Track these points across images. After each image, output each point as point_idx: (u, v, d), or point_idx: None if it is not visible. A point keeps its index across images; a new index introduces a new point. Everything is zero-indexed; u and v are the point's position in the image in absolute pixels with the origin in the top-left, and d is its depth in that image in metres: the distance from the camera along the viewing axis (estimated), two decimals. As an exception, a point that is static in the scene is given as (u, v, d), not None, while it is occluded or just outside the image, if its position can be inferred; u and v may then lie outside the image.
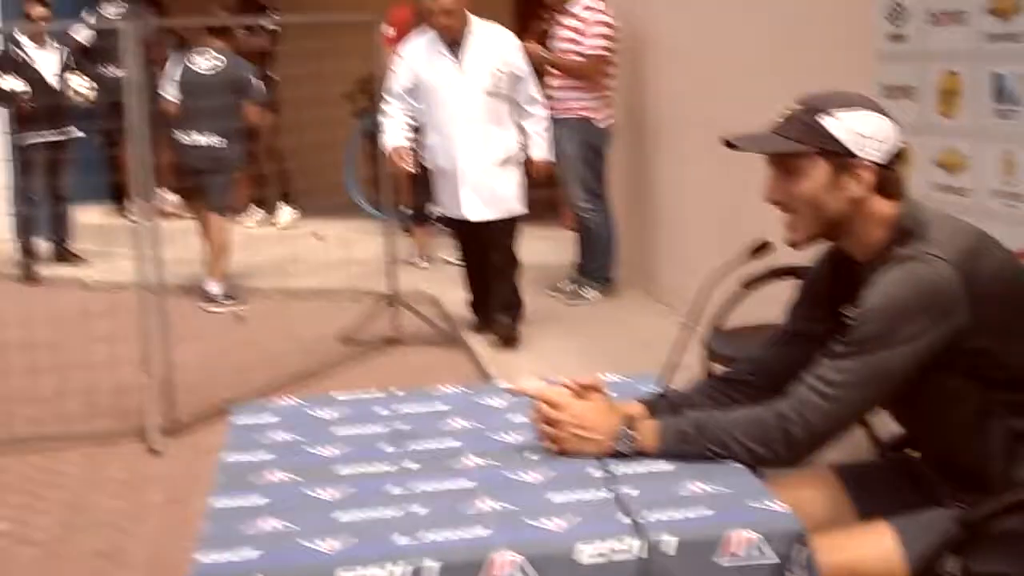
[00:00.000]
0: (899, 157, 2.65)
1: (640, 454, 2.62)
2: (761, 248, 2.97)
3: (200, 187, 8.40)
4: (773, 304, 4.57)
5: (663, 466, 2.58)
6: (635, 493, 2.43)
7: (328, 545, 2.27)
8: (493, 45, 6.89)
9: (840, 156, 2.60)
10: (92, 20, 10.62)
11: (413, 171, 9.00)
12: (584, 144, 7.86)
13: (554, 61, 7.90)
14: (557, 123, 7.98)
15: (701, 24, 7.18)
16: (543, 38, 8.73)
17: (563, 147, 7.91)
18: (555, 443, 2.68)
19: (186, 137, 8.54)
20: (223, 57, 8.65)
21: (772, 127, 2.71)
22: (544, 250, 9.43)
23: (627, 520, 2.29)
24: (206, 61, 8.65)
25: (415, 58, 6.95)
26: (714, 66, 6.97)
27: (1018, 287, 2.60)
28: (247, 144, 8.82)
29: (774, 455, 2.55)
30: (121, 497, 5.31)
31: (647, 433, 2.63)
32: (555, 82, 7.97)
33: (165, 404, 6.00)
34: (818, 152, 2.61)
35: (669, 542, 2.23)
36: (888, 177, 2.63)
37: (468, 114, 6.84)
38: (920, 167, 4.02)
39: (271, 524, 2.38)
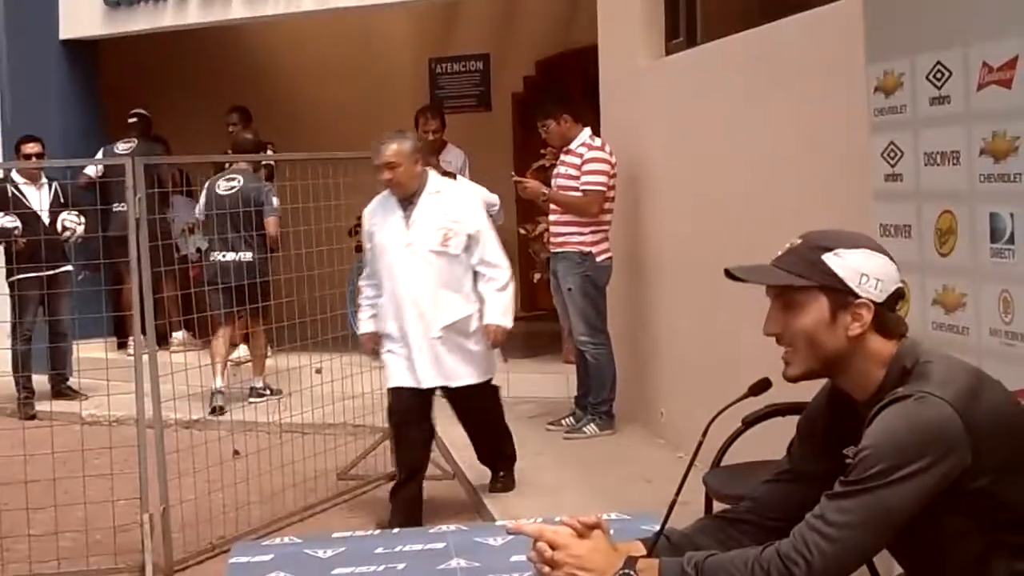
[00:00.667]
0: (898, 297, 2.68)
1: None
2: (761, 386, 2.97)
3: (236, 300, 8.76)
4: (774, 442, 4.57)
5: (663, 608, 2.56)
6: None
7: None
8: (449, 202, 6.43)
9: (840, 293, 2.62)
10: (99, 155, 10.77)
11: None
12: (584, 278, 7.92)
13: (553, 197, 7.99)
14: (557, 257, 8.06)
15: (700, 161, 7.27)
16: (544, 174, 8.85)
17: (563, 281, 7.96)
18: None
19: (220, 256, 9.39)
20: (240, 177, 9.44)
21: (774, 260, 2.74)
22: (544, 384, 9.44)
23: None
24: (226, 182, 9.49)
25: (371, 217, 6.54)
26: (713, 203, 7.04)
27: (1018, 427, 2.60)
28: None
29: None
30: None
31: (648, 574, 2.60)
32: (554, 217, 8.05)
33: (162, 542, 5.94)
34: (818, 288, 2.63)
35: None
36: (887, 316, 2.65)
37: (416, 276, 6.34)
38: (918, 305, 4.04)
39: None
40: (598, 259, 7.93)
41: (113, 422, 8.16)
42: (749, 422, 4.68)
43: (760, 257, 6.25)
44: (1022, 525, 2.54)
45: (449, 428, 8.40)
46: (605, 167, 7.90)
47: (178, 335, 10.61)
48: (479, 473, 7.20)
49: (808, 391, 4.92)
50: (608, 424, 8.06)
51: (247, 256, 9.36)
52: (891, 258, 2.68)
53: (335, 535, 3.28)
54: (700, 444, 2.88)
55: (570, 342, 8.60)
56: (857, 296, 2.62)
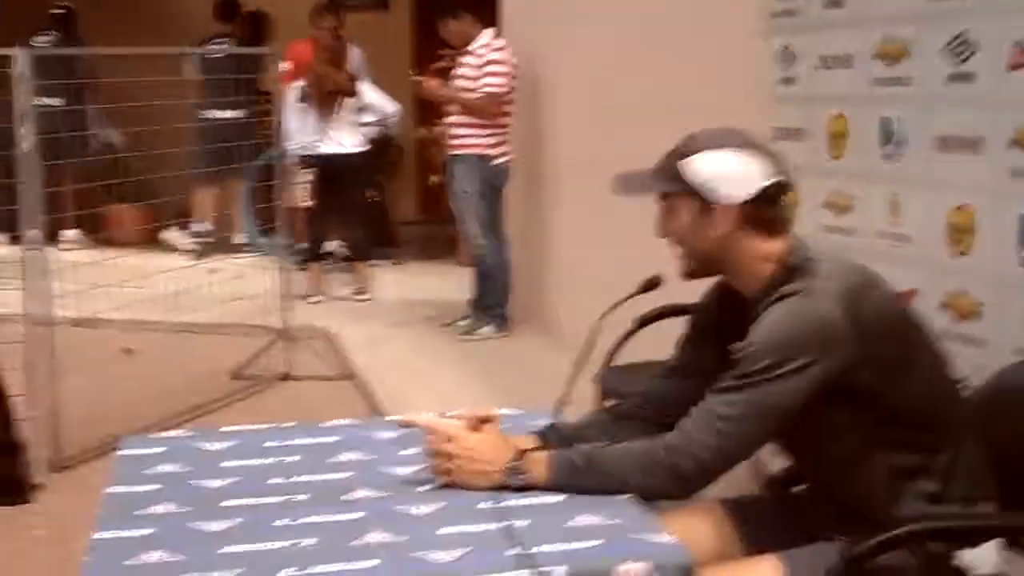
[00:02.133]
0: (775, 193, 2.70)
1: (531, 487, 2.62)
2: (652, 283, 3.00)
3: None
4: (667, 341, 4.62)
5: (553, 498, 2.59)
6: (525, 525, 2.43)
7: (214, 577, 2.24)
8: None
9: (700, 197, 2.68)
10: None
11: (309, 206, 9.00)
12: (481, 181, 7.88)
13: (453, 98, 7.93)
14: (455, 160, 8.00)
15: (598, 65, 7.25)
16: (443, 75, 8.77)
17: (461, 183, 7.93)
18: (446, 476, 2.67)
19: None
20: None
21: (653, 167, 2.79)
22: (441, 286, 9.45)
23: (516, 552, 2.29)
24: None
25: None
26: (610, 107, 7.04)
27: (902, 325, 2.65)
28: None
29: (664, 488, 2.57)
30: (3, 533, 5.19)
31: (538, 466, 2.64)
32: (453, 119, 7.99)
33: (51, 438, 5.88)
34: (683, 193, 2.69)
35: (558, 573, 2.23)
36: (759, 215, 2.68)
37: None
38: (809, 208, 4.09)
39: (156, 556, 2.34)
40: (496, 162, 7.90)
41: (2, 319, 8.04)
42: (642, 322, 4.72)
43: (651, 160, 6.30)
44: (901, 421, 2.60)
45: (342, 327, 8.41)
46: (505, 68, 7.84)
47: (70, 233, 10.40)
48: (375, 374, 7.21)
49: (697, 294, 4.99)
50: (503, 326, 8.09)
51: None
52: (770, 153, 2.71)
53: (225, 429, 3.26)
54: (591, 342, 2.91)
55: (467, 245, 8.59)
56: (713, 199, 2.67)
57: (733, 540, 2.81)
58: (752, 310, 2.67)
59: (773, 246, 2.70)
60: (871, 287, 2.64)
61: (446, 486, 2.67)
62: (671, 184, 2.72)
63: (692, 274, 2.79)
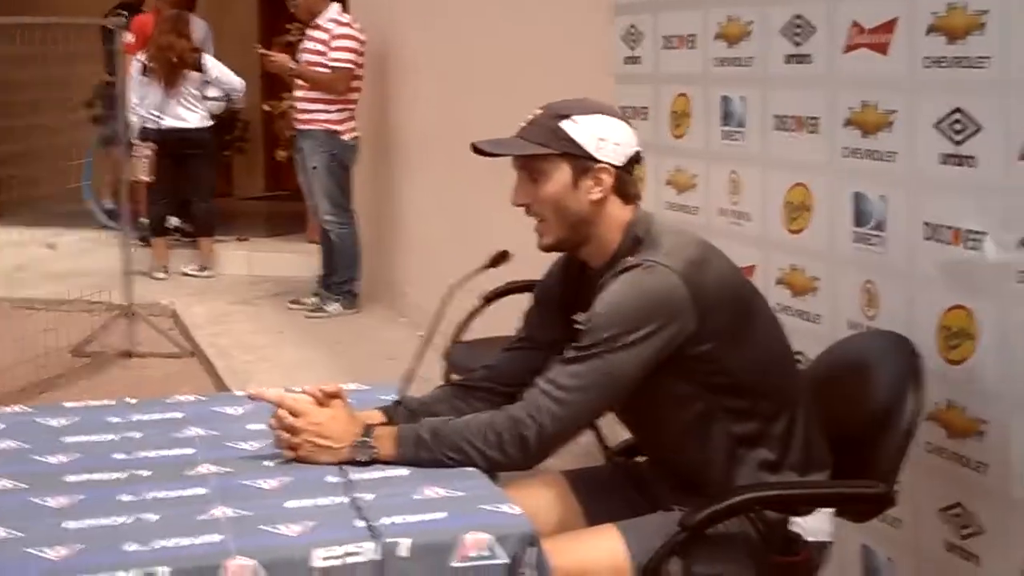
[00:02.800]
0: (636, 161, 2.75)
1: (378, 461, 2.64)
2: (499, 258, 3.03)
3: None
4: (513, 317, 4.67)
5: (399, 471, 2.60)
6: (371, 498, 2.44)
7: (55, 552, 2.20)
8: None
9: (580, 159, 2.69)
10: None
11: (150, 180, 8.85)
12: (329, 157, 7.84)
13: (300, 72, 7.86)
14: (302, 135, 7.95)
15: (447, 40, 7.26)
16: (290, 49, 8.69)
17: (308, 159, 7.88)
18: (293, 451, 2.66)
19: None
20: None
21: (518, 132, 2.78)
22: (288, 263, 9.39)
23: (362, 524, 2.31)
24: None
25: None
26: (459, 83, 7.06)
27: (741, 297, 2.72)
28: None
29: (508, 459, 2.60)
30: None
31: (385, 440, 2.65)
32: (300, 93, 7.93)
33: None
34: (560, 155, 2.69)
35: (403, 545, 2.25)
36: (626, 180, 2.73)
37: None
38: (652, 186, 4.16)
39: (-6, 532, 2.30)
40: (344, 137, 7.87)
41: None
42: (489, 298, 4.76)
43: (503, 137, 6.28)
44: (740, 390, 2.67)
45: (186, 304, 8.31)
46: (353, 44, 7.81)
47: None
48: (219, 350, 7.15)
49: (543, 270, 5.04)
50: (351, 303, 8.07)
51: None
52: (628, 123, 2.75)
53: (68, 404, 3.21)
54: (437, 317, 2.93)
55: (315, 221, 8.54)
56: (597, 160, 2.68)
57: (576, 511, 2.85)
58: (595, 281, 2.72)
59: (626, 215, 2.74)
60: (711, 260, 2.70)
61: (293, 461, 2.67)
62: (553, 144, 2.69)
63: (555, 245, 2.78)
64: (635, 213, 2.75)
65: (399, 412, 2.88)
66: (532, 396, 2.61)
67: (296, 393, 2.78)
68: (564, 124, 2.70)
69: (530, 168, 2.74)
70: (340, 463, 2.63)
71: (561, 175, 2.70)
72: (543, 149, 2.70)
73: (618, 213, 2.73)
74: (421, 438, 2.64)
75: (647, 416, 2.77)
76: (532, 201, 2.75)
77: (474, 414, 2.68)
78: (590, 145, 2.69)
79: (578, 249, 2.80)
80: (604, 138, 2.70)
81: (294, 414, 2.67)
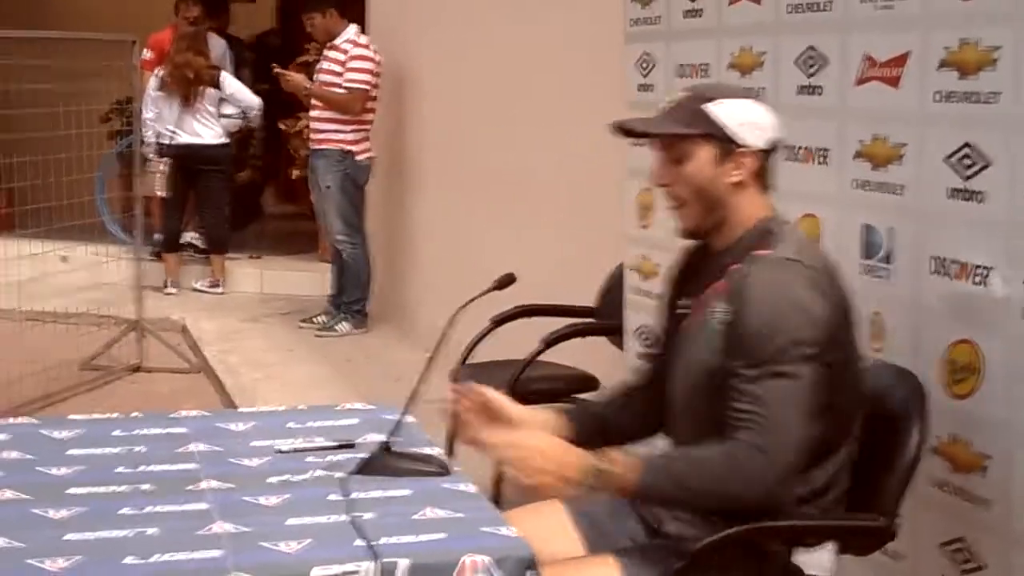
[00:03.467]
0: (776, 147, 2.76)
1: (612, 488, 2.59)
2: (505, 281, 3.04)
3: None
4: (521, 341, 4.68)
5: (399, 491, 2.61)
6: (370, 517, 2.45)
7: (55, 564, 2.21)
8: None
9: (723, 141, 2.69)
10: None
11: (165, 195, 8.89)
12: (343, 177, 7.87)
13: (316, 93, 7.90)
14: (316, 154, 7.98)
15: (462, 64, 7.29)
16: (307, 69, 8.73)
17: (322, 179, 7.90)
18: (519, 469, 2.59)
19: None
20: None
21: (661, 113, 2.77)
22: (299, 282, 9.40)
23: (361, 543, 2.31)
24: None
25: None
26: (473, 108, 7.08)
27: (851, 321, 2.69)
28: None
29: (753, 482, 2.53)
30: None
31: (620, 466, 2.58)
32: (315, 114, 7.96)
33: None
34: (703, 136, 2.69)
35: (402, 565, 2.25)
36: (765, 166, 2.74)
37: None
38: (664, 213, 4.17)
39: (-5, 542, 2.31)
40: (358, 158, 7.89)
41: None
42: (497, 321, 4.78)
43: (516, 162, 6.33)
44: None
45: (196, 319, 8.33)
46: (370, 65, 7.85)
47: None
48: (228, 367, 7.16)
49: (553, 294, 5.05)
50: (361, 323, 8.08)
51: None
52: (771, 110, 2.76)
53: (73, 417, 3.23)
54: (443, 337, 2.92)
55: (327, 240, 8.56)
56: (739, 143, 2.69)
57: (575, 540, 2.83)
58: (713, 261, 2.74)
59: (761, 205, 2.74)
60: (834, 270, 2.69)
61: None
62: (696, 125, 2.69)
63: (694, 230, 2.76)
64: (771, 208, 2.75)
65: (580, 417, 2.91)
66: (752, 419, 2.53)
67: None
68: (708, 106, 2.70)
69: (673, 149, 2.73)
70: (569, 492, 2.61)
71: (704, 156, 2.70)
72: (687, 130, 2.70)
73: (754, 200, 2.73)
74: (657, 468, 2.58)
75: (700, 425, 2.71)
76: (673, 182, 2.74)
77: (710, 445, 2.59)
78: (733, 128, 2.69)
79: (713, 235, 2.77)
80: (747, 122, 2.70)
81: (509, 423, 2.69)
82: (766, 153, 2.73)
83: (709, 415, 2.64)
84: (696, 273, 2.85)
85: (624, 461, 2.58)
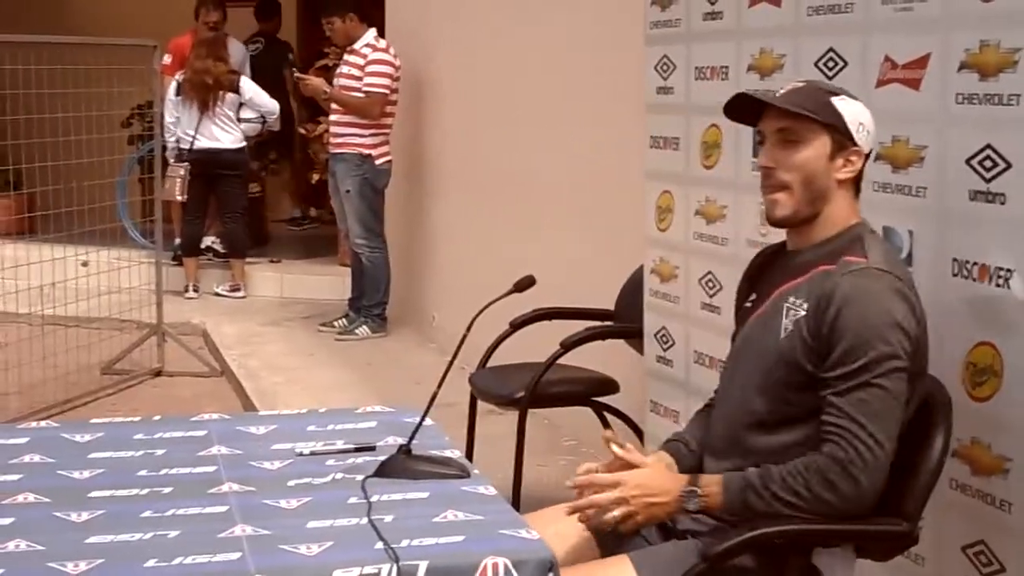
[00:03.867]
0: (869, 156, 2.80)
1: (707, 511, 2.67)
2: (525, 283, 3.04)
3: None
4: (540, 344, 4.68)
5: (419, 494, 2.62)
6: (390, 519, 2.45)
7: (75, 567, 2.22)
8: None
9: (841, 135, 2.72)
10: None
11: (183, 199, 8.91)
12: (362, 180, 7.88)
13: (335, 97, 7.91)
14: (336, 158, 7.99)
15: (481, 67, 7.30)
16: (326, 73, 8.74)
17: (342, 182, 7.92)
18: (629, 518, 2.67)
19: None
20: None
21: (779, 96, 2.77)
22: (319, 286, 9.42)
23: (381, 546, 2.31)
24: None
25: None
26: (492, 111, 7.09)
27: (926, 335, 2.70)
28: None
29: (843, 498, 2.57)
30: None
31: (712, 487, 2.65)
32: (335, 118, 7.98)
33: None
34: (826, 125, 2.71)
35: (421, 567, 2.25)
36: (862, 172, 2.77)
37: None
38: (682, 216, 4.17)
39: (16, 544, 2.32)
40: (377, 162, 7.90)
41: None
42: (516, 324, 4.77)
43: (535, 165, 6.32)
44: None
45: (216, 323, 8.35)
46: (389, 69, 7.85)
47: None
48: (248, 371, 7.17)
49: (572, 297, 5.05)
50: (380, 327, 8.09)
51: None
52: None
53: (94, 421, 3.24)
54: (463, 340, 2.93)
55: (346, 244, 8.57)
56: (854, 142, 2.72)
57: (589, 542, 2.83)
58: (795, 261, 2.76)
59: (854, 209, 2.76)
60: (913, 284, 2.71)
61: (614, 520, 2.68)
62: (821, 113, 2.70)
63: (790, 216, 2.75)
64: (860, 214, 2.78)
65: (678, 448, 2.92)
66: (839, 433, 2.57)
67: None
68: (834, 99, 2.73)
69: (789, 131, 2.73)
70: (674, 516, 2.70)
71: (821, 145, 2.71)
72: (814, 115, 2.70)
73: (849, 203, 2.76)
74: (750, 483, 2.63)
75: (753, 416, 2.74)
76: (781, 166, 2.74)
77: (798, 460, 2.62)
78: (853, 125, 2.72)
79: (806, 227, 2.77)
80: (863, 123, 2.74)
81: (614, 485, 2.69)
82: (868, 157, 2.77)
83: (775, 402, 2.69)
84: (769, 273, 2.87)
85: (713, 482, 2.66)
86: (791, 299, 2.70)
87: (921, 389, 2.71)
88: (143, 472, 2.77)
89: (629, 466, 2.75)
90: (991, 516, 2.90)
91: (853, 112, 2.74)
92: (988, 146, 2.89)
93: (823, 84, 2.85)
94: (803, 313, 2.66)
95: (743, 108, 2.83)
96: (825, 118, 2.71)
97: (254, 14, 11.21)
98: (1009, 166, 2.84)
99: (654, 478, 2.71)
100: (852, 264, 2.64)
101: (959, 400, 2.87)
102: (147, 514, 2.49)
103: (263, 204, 11.17)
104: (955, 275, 2.99)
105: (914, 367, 2.63)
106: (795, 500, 2.58)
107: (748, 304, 2.88)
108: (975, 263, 2.93)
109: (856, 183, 2.77)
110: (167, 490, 2.65)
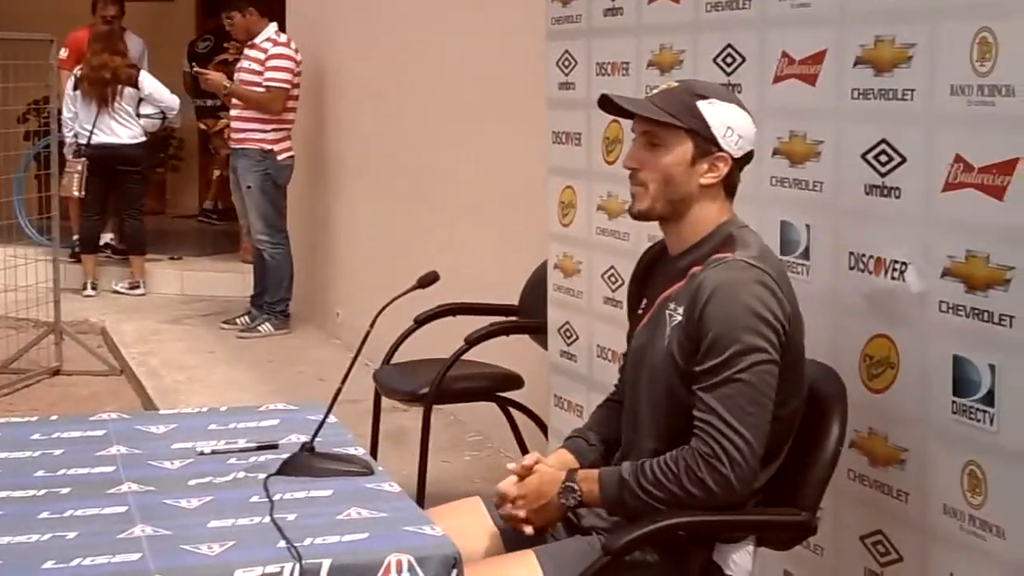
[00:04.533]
0: (748, 160, 2.79)
1: (584, 504, 2.70)
2: (429, 278, 3.03)
3: None
4: (444, 340, 4.68)
5: (322, 491, 2.60)
6: (292, 518, 2.44)
7: (-30, 570, 2.18)
8: None
9: (705, 140, 2.70)
10: None
11: (81, 195, 8.78)
12: (264, 176, 7.81)
13: (235, 92, 7.84)
14: (237, 154, 7.92)
15: (383, 62, 7.27)
16: (226, 68, 8.66)
17: (242, 178, 7.84)
18: (527, 524, 2.73)
19: None
20: None
21: (650, 97, 2.78)
22: (221, 283, 9.33)
23: (283, 545, 2.30)
24: None
25: None
26: (394, 105, 7.07)
27: (801, 326, 2.73)
28: None
29: (711, 494, 2.57)
30: None
31: (588, 483, 2.68)
32: (236, 113, 7.90)
33: None
34: (687, 130, 2.69)
35: (324, 565, 2.24)
36: (735, 175, 2.76)
37: None
38: (584, 210, 4.19)
39: (-92, 550, 2.27)
40: (279, 157, 7.84)
41: None
42: (420, 320, 4.77)
43: (438, 160, 6.32)
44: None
45: (115, 321, 8.24)
46: (290, 64, 7.80)
47: None
48: (149, 369, 7.09)
49: (477, 293, 5.06)
50: (284, 324, 8.04)
51: None
52: (752, 119, 2.78)
53: (-12, 421, 3.18)
54: (366, 336, 2.92)
55: (248, 241, 8.50)
56: (720, 148, 2.70)
57: (494, 536, 2.84)
58: (673, 264, 2.77)
59: (724, 210, 2.76)
60: (786, 275, 2.74)
61: (522, 530, 2.74)
62: (682, 118, 2.69)
63: (646, 212, 2.76)
64: (731, 212, 2.77)
65: (580, 447, 2.92)
66: (706, 430, 2.58)
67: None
68: (701, 104, 2.71)
69: (652, 135, 2.73)
70: (562, 515, 2.74)
71: (682, 150, 2.70)
72: (674, 120, 2.69)
73: (718, 205, 2.75)
74: (624, 480, 2.64)
75: (654, 416, 2.75)
76: (643, 167, 2.74)
77: (668, 454, 2.64)
78: (719, 130, 2.70)
79: (666, 223, 2.78)
80: (733, 128, 2.71)
81: (514, 500, 2.73)
82: (739, 162, 2.76)
83: (672, 414, 2.69)
84: (653, 277, 2.88)
85: (590, 478, 2.69)
86: (671, 306, 2.72)
87: (800, 380, 2.73)
88: (40, 472, 2.72)
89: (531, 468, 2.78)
90: (888, 506, 2.95)
91: (721, 116, 2.72)
92: (883, 140, 2.93)
93: (697, 86, 2.82)
94: (679, 319, 2.68)
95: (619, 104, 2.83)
96: (686, 123, 2.70)
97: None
98: (904, 160, 2.88)
99: (538, 484, 2.73)
100: (718, 260, 2.66)
101: (856, 392, 2.92)
102: (45, 515, 2.45)
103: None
104: (851, 268, 3.04)
105: (787, 359, 2.64)
106: (667, 497, 2.60)
107: (640, 311, 2.89)
108: (871, 256, 2.98)
109: (727, 187, 2.77)
110: (65, 491, 2.61)
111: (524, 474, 2.78)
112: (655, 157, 2.73)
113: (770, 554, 2.97)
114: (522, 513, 2.72)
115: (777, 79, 3.27)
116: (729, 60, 3.46)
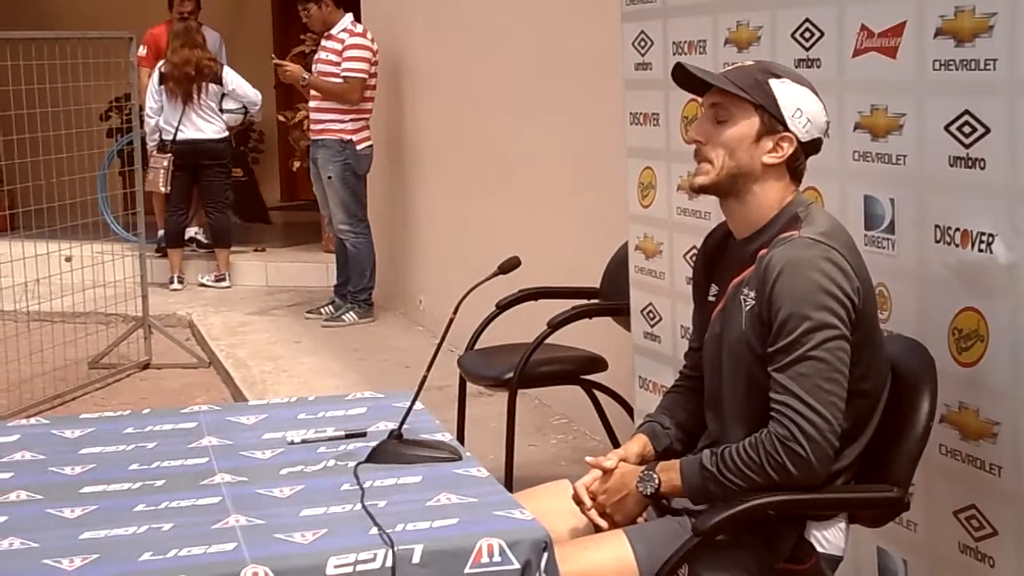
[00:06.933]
0: (817, 147, 2.77)
1: (662, 494, 2.71)
2: (510, 264, 3.04)
3: None
4: (526, 325, 4.69)
5: (411, 478, 2.62)
6: (383, 505, 2.46)
7: (70, 563, 2.23)
8: None
9: (772, 118, 2.69)
10: None
11: (167, 191, 8.90)
12: (344, 166, 7.87)
13: (314, 83, 7.89)
14: (316, 145, 7.97)
15: (459, 49, 7.28)
16: (304, 60, 8.72)
17: (323, 169, 7.90)
18: (609, 520, 2.76)
19: None
20: None
21: (723, 72, 2.78)
22: (304, 273, 9.41)
23: (375, 531, 2.32)
24: None
25: None
26: (470, 93, 7.08)
27: (874, 300, 2.72)
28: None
29: (791, 477, 2.58)
30: None
31: (669, 472, 2.70)
32: (314, 104, 7.96)
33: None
34: (756, 105, 2.69)
35: (416, 551, 2.26)
36: (801, 159, 2.75)
37: None
38: (663, 191, 4.17)
39: (10, 542, 2.32)
40: (358, 147, 7.89)
41: None
42: (502, 305, 4.78)
43: (516, 145, 6.33)
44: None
45: (202, 314, 8.34)
46: (366, 54, 7.84)
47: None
48: (236, 360, 7.17)
49: (558, 277, 5.06)
50: (367, 312, 8.09)
51: None
52: (826, 109, 2.76)
53: (83, 416, 3.24)
54: (450, 323, 2.93)
55: (330, 231, 8.56)
56: (786, 127, 2.70)
57: (583, 517, 2.83)
58: (740, 249, 2.76)
59: (788, 191, 2.75)
60: (858, 253, 2.72)
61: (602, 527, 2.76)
62: (752, 93, 2.69)
63: (709, 186, 2.75)
64: (796, 194, 2.76)
65: (656, 431, 2.93)
66: (783, 412, 2.58)
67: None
68: (772, 81, 2.71)
69: (720, 108, 2.73)
70: (642, 507, 2.75)
71: (748, 123, 2.70)
72: (744, 93, 2.69)
73: (782, 186, 2.74)
74: (705, 468, 2.65)
75: (739, 404, 2.75)
76: (708, 140, 2.74)
77: (747, 440, 2.64)
78: (788, 110, 2.70)
79: (727, 204, 2.78)
80: (802, 109, 2.71)
81: (592, 498, 2.78)
82: (805, 146, 2.74)
83: (755, 400, 2.68)
84: (721, 260, 2.87)
85: (670, 466, 2.71)
86: (744, 291, 2.71)
87: (879, 354, 2.71)
88: (135, 466, 2.77)
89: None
90: (982, 480, 2.91)
91: (791, 97, 2.71)
92: (966, 112, 2.89)
93: (772, 66, 2.81)
94: (752, 303, 2.67)
95: (691, 78, 2.81)
96: (755, 98, 2.69)
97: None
98: (988, 131, 2.84)
99: (618, 478, 2.76)
100: (784, 239, 2.65)
101: (945, 366, 2.88)
102: (140, 508, 2.50)
103: (256, 185, 11.16)
104: (937, 241, 3.00)
105: (860, 333, 2.62)
106: (750, 485, 2.60)
107: (711, 298, 2.87)
108: (957, 229, 2.94)
109: (792, 169, 2.75)
110: (159, 483, 2.65)
111: (606, 472, 2.80)
112: (721, 129, 2.72)
113: (863, 531, 2.95)
114: (601, 511, 2.75)
115: (857, 52, 3.23)
116: (807, 35, 3.43)
